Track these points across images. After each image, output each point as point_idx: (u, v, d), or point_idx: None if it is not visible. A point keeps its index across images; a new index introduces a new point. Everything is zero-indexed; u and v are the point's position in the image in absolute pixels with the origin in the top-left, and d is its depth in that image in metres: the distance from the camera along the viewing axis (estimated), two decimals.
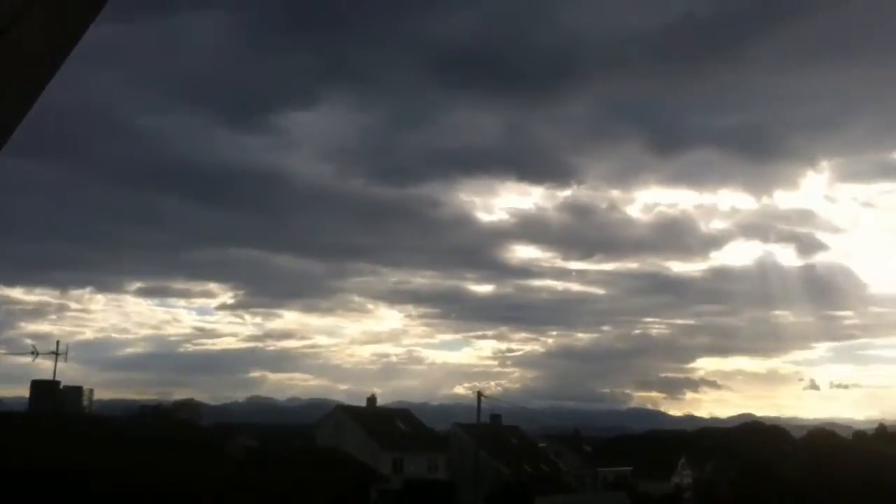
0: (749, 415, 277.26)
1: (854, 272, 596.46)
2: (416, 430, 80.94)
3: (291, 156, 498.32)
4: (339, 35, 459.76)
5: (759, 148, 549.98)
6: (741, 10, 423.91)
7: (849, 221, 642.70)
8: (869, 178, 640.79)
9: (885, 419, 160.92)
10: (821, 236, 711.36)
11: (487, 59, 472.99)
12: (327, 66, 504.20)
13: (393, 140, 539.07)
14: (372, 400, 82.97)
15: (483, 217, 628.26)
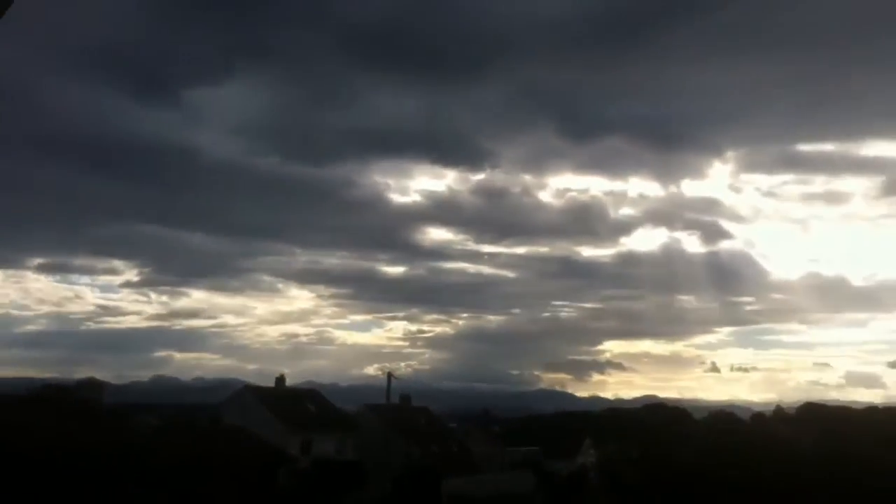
0: (653, 396, 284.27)
1: (756, 260, 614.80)
2: (324, 411, 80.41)
3: (202, 132, 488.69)
4: (257, 11, 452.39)
5: (668, 137, 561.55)
6: (656, 1, 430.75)
7: (752, 211, 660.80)
8: (771, 170, 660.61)
9: (783, 401, 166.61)
10: (725, 224, 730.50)
11: (407, 42, 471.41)
12: (243, 43, 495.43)
13: (308, 119, 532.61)
14: (280, 380, 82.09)
15: (397, 199, 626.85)
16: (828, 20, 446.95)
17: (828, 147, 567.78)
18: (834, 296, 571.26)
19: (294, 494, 52.34)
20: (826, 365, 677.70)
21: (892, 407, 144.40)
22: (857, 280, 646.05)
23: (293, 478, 62.77)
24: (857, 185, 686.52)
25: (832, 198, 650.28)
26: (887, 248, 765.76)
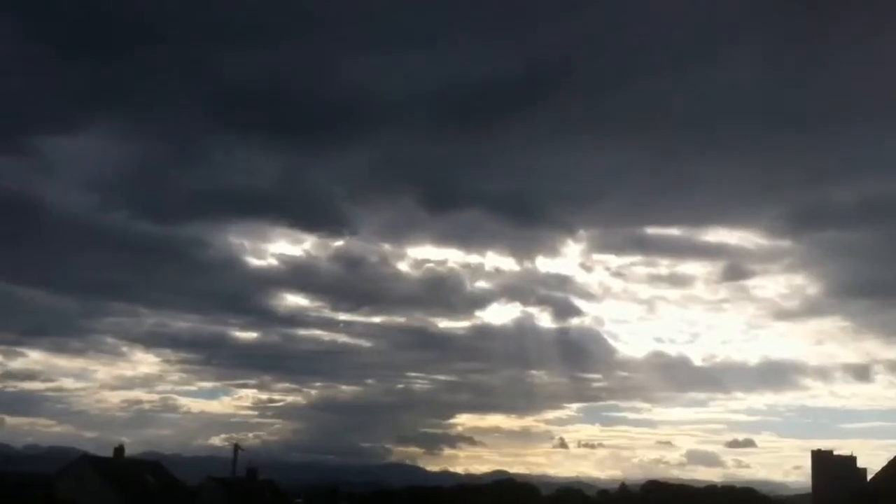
0: (503, 471, 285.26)
1: (604, 337, 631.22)
2: (165, 484, 77.04)
3: (48, 182, 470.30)
4: (115, 60, 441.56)
5: (525, 214, 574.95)
6: (513, 79, 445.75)
7: (601, 289, 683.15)
8: (620, 250, 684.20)
9: (627, 478, 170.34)
10: (576, 301, 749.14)
11: (270, 103, 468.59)
12: (98, 91, 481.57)
13: (162, 175, 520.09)
14: (120, 450, 78.26)
15: (252, 262, 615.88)
16: (675, 109, 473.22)
17: (673, 231, 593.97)
18: (676, 375, 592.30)
19: None
20: (668, 443, 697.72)
21: (729, 486, 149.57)
22: (697, 360, 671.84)
23: None
24: (699, 269, 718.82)
25: (676, 280, 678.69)
26: (726, 331, 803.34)
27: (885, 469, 36.56)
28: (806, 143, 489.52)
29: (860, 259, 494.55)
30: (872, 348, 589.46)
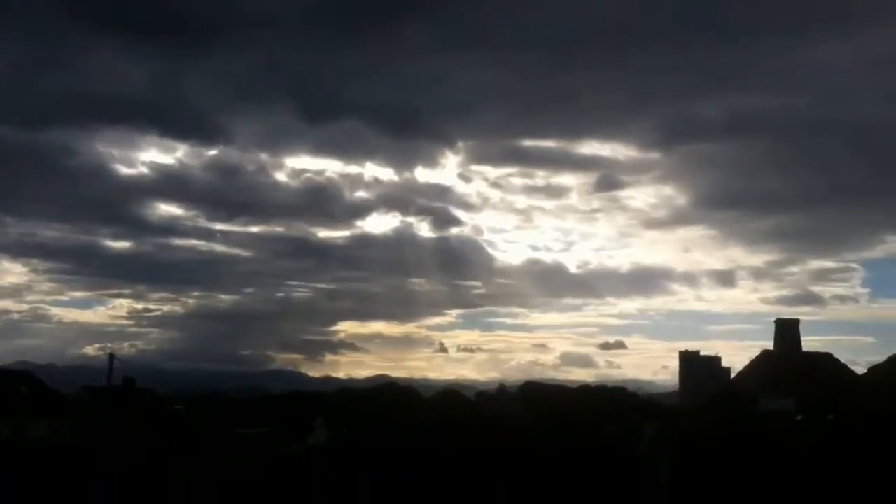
0: (384, 376, 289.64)
1: (482, 246, 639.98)
2: (38, 393, 75.27)
3: None
4: None
5: (404, 125, 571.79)
6: None
7: (480, 200, 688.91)
8: (498, 162, 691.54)
9: (506, 380, 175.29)
10: (455, 212, 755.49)
11: (139, 3, 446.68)
12: None
13: (24, 80, 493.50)
14: None
15: (122, 170, 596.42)
16: (552, 24, 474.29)
17: (549, 143, 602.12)
18: (552, 282, 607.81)
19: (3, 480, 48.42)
20: (544, 346, 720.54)
21: (602, 385, 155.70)
22: (572, 268, 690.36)
23: (4, 464, 58.33)
24: (573, 180, 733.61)
25: (552, 191, 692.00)
26: (599, 240, 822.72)
27: (746, 368, 38.74)
28: (676, 59, 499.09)
29: (727, 171, 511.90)
30: (736, 256, 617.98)
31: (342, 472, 77.49)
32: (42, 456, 60.77)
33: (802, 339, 37.38)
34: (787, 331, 35.68)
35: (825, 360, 34.14)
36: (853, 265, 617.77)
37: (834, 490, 15.76)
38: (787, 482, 16.68)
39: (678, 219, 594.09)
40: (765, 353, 34.95)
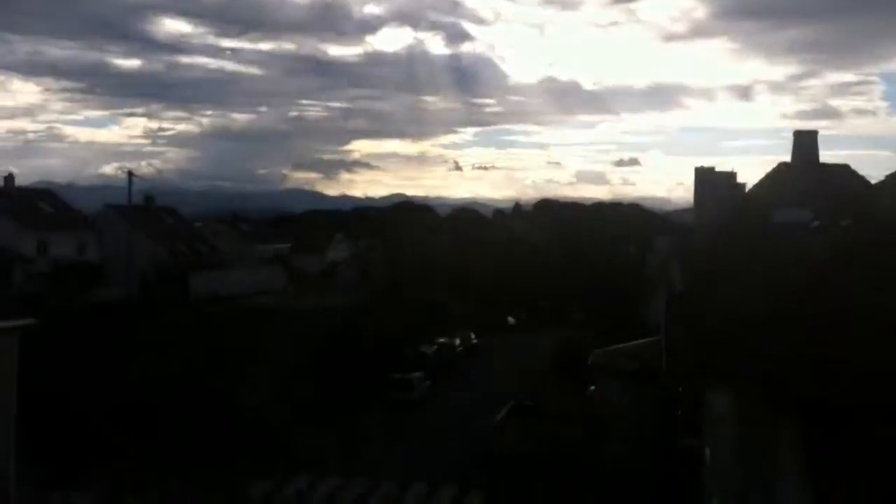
0: (400, 194, 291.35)
1: (496, 63, 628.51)
2: (60, 211, 76.34)
3: None
4: None
5: None
6: None
7: (492, 14, 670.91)
8: None
9: (521, 198, 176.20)
10: (468, 26, 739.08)
11: None
12: None
13: None
14: (9, 179, 76.57)
15: None
16: None
17: None
18: (567, 99, 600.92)
19: (31, 294, 49.98)
20: (559, 164, 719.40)
21: (615, 203, 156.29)
22: (587, 84, 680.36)
23: (29, 278, 59.95)
24: None
25: (567, 4, 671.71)
26: (615, 55, 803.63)
27: (762, 180, 38.51)
28: None
29: None
30: (756, 69, 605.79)
31: (366, 283, 79.09)
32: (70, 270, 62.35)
33: (821, 154, 37.25)
34: (805, 143, 35.41)
35: (843, 171, 34.21)
36: (873, 78, 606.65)
37: (845, 291, 16.02)
38: (800, 287, 16.94)
39: (697, 31, 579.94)
40: (782, 164, 34.82)
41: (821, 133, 39.33)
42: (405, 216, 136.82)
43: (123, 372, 42.49)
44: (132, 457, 30.56)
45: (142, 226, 72.95)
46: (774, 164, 38.55)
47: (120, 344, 46.97)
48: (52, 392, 33.88)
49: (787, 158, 38.92)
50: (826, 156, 39.29)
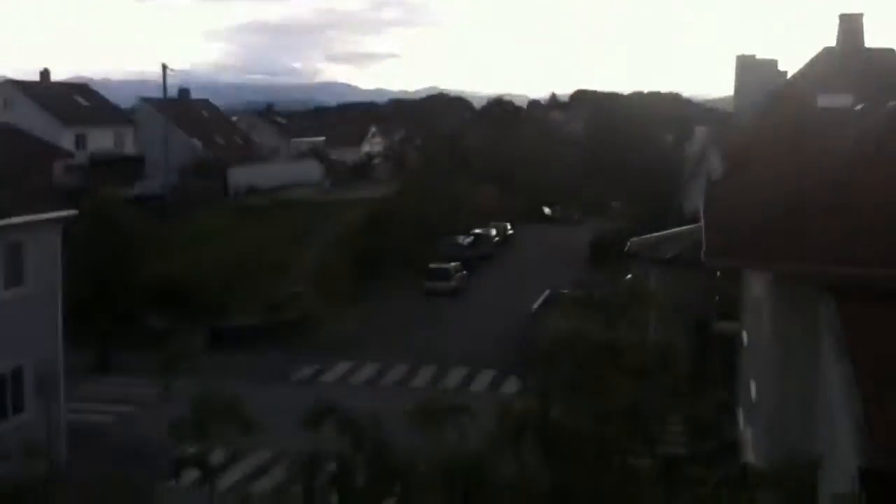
0: (435, 87, 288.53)
1: None
2: (98, 106, 76.49)
3: None
4: None
5: None
6: None
7: None
8: None
9: (557, 91, 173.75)
10: None
11: None
12: None
13: None
14: (45, 74, 76.63)
15: None
16: None
17: None
18: None
19: (71, 187, 50.63)
20: (595, 53, 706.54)
21: (653, 92, 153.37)
22: None
23: (69, 172, 60.61)
24: None
25: None
26: None
27: (805, 66, 37.53)
28: None
29: None
30: None
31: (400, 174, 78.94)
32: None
33: (866, 39, 35.98)
34: (850, 27, 34.13)
35: (888, 56, 33.10)
36: None
37: (890, 171, 15.74)
38: (842, 169, 16.67)
39: None
40: (825, 50, 33.67)
41: (866, 17, 38.00)
42: (440, 107, 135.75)
43: (164, 262, 43.24)
44: (175, 344, 31.32)
45: (178, 119, 72.97)
46: (818, 51, 37.47)
47: (160, 235, 47.69)
48: (94, 282, 34.56)
49: (832, 44, 37.80)
50: (871, 41, 38.07)
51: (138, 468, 22.66)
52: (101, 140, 71.18)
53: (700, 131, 59.49)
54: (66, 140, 66.65)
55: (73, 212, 26.04)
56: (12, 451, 16.35)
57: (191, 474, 10.11)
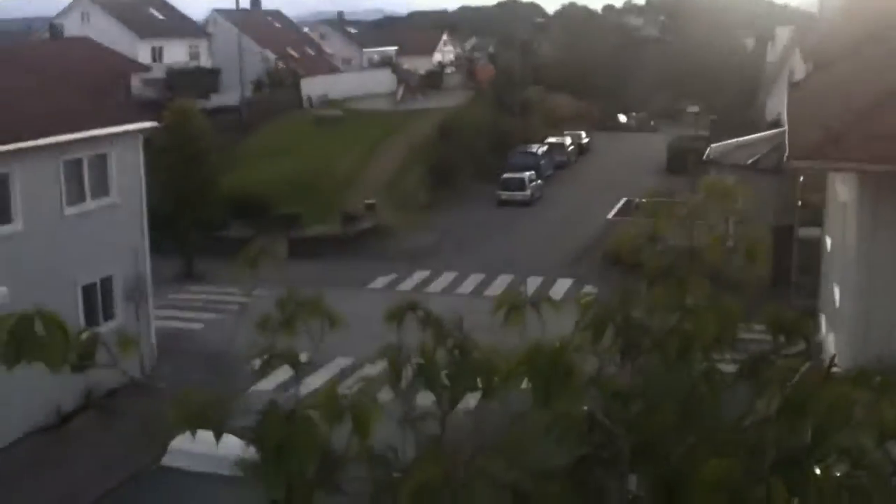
0: None
1: None
2: (172, 18, 76.93)
3: None
4: None
5: None
6: None
7: None
8: None
9: None
10: None
11: None
12: None
13: None
14: None
15: None
16: None
17: None
18: None
19: (149, 100, 51.36)
20: None
21: None
22: None
23: (147, 85, 61.44)
24: None
25: None
26: None
27: None
28: None
29: None
30: None
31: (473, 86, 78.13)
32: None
33: None
34: None
35: None
36: None
37: None
38: None
39: None
40: None
41: None
42: (512, 14, 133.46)
43: (241, 174, 43.87)
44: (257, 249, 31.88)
45: (251, 30, 73.09)
46: None
47: (237, 146, 48.27)
48: (175, 192, 35.23)
49: None
50: None
51: (225, 374, 23.38)
52: (177, 53, 71.74)
53: (782, 33, 57.57)
54: (143, 53, 67.32)
55: (153, 123, 26.45)
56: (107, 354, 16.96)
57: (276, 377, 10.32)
